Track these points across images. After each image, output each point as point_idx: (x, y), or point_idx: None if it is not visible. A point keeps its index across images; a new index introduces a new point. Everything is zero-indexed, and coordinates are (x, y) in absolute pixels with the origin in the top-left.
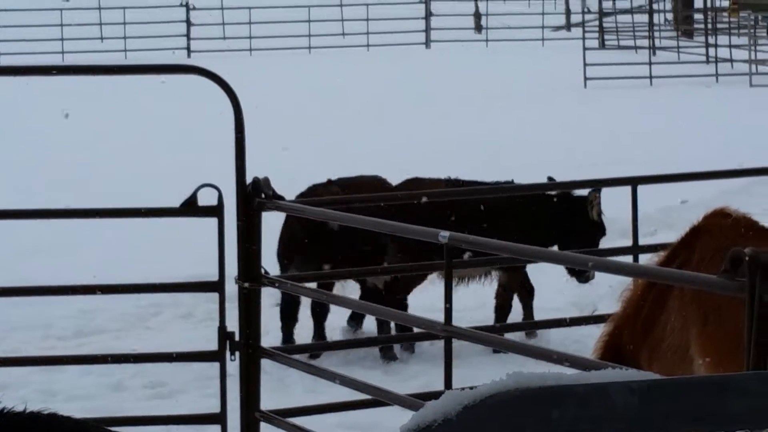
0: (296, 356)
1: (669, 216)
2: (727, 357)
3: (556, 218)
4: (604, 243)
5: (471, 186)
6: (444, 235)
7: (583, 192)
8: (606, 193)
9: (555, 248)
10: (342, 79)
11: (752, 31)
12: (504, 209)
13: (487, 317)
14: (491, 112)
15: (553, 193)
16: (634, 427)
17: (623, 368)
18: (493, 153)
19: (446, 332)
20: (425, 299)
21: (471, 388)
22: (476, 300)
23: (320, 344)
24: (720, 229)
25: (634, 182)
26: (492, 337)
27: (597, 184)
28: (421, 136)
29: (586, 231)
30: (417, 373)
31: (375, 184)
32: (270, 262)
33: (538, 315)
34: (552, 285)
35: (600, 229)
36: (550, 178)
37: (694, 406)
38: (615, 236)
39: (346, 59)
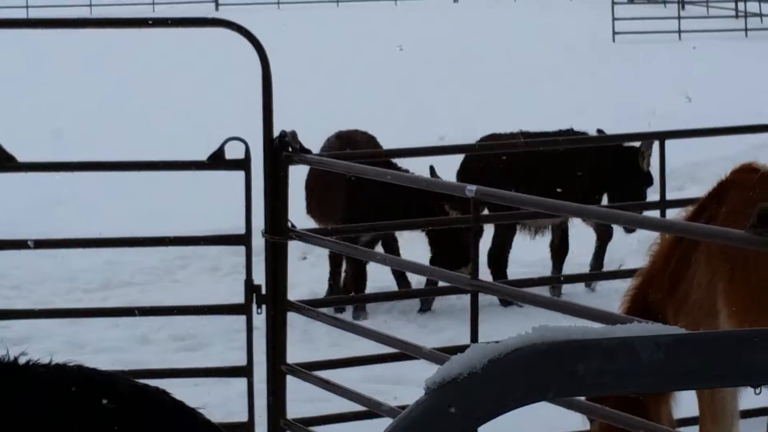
0: (322, 309)
1: (696, 171)
2: (754, 311)
3: (609, 169)
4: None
5: (543, 137)
6: (471, 189)
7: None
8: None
9: (605, 199)
10: (370, 33)
11: None
12: (570, 159)
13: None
14: (521, 66)
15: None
16: (660, 382)
17: (649, 323)
18: (526, 105)
19: (472, 286)
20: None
21: (497, 342)
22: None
23: (347, 298)
24: (748, 184)
25: (662, 137)
26: (518, 291)
27: (625, 139)
28: (454, 95)
29: (636, 182)
30: (443, 327)
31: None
32: (297, 216)
33: (567, 269)
34: (579, 240)
35: (648, 181)
36: (599, 131)
37: (720, 360)
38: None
39: (374, 14)
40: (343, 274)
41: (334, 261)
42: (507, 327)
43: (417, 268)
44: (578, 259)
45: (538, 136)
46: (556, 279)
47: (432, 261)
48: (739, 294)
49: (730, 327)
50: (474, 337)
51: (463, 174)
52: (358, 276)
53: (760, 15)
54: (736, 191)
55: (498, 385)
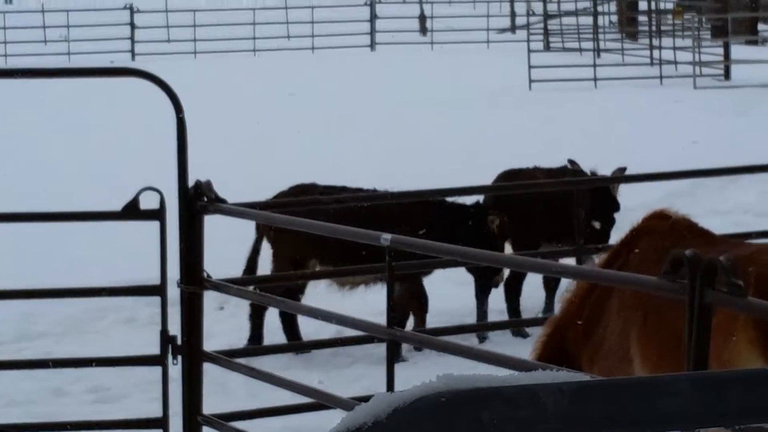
0: (239, 360)
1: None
2: (667, 358)
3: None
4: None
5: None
6: (386, 237)
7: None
8: None
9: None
10: (287, 81)
11: (696, 33)
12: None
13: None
14: (436, 115)
15: None
16: (564, 429)
17: (555, 370)
18: (439, 156)
19: (389, 335)
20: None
21: (402, 390)
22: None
23: (263, 348)
24: (659, 231)
25: (578, 184)
26: (434, 339)
27: (540, 187)
28: (367, 140)
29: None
30: (360, 375)
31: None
32: (212, 266)
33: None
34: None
35: (616, 207)
36: (571, 161)
37: (625, 407)
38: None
39: (291, 62)
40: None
41: (255, 310)
42: (427, 373)
43: (333, 317)
44: (500, 305)
45: (553, 171)
46: (472, 328)
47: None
48: (653, 340)
49: (644, 373)
50: (390, 386)
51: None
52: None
53: (675, 62)
54: (648, 238)
55: None
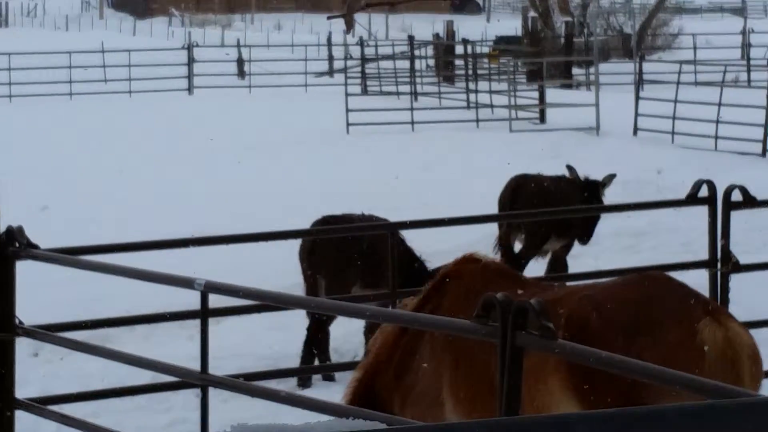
0: (52, 407)
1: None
2: (480, 402)
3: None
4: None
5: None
6: (200, 282)
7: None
8: None
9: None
10: (104, 126)
11: (512, 77)
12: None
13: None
14: (253, 159)
15: None
16: None
17: (350, 419)
18: (252, 200)
19: (203, 380)
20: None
21: None
22: None
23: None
24: (470, 274)
25: (392, 228)
26: (249, 385)
27: (354, 231)
28: (184, 185)
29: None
30: (176, 420)
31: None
32: (25, 312)
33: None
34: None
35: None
36: (569, 167)
37: None
38: None
39: (108, 105)
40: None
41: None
42: (245, 416)
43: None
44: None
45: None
46: (299, 371)
47: None
48: (464, 384)
49: (456, 417)
50: (204, 429)
51: (515, 194)
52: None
53: (491, 106)
54: (458, 282)
55: None
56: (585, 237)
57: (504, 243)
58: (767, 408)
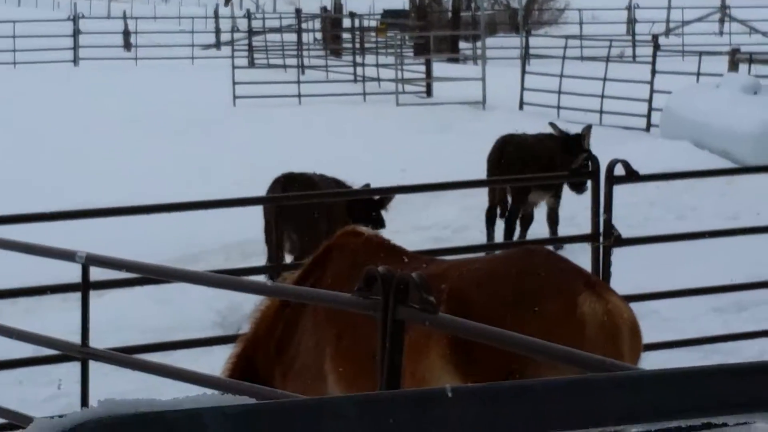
0: None
1: None
2: (362, 376)
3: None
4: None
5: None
6: (81, 255)
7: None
8: (247, 212)
9: None
10: None
11: (399, 51)
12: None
13: None
14: (138, 131)
15: None
16: None
17: (219, 393)
18: (134, 174)
19: (82, 353)
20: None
21: (61, 416)
22: None
23: None
24: (352, 248)
25: (275, 200)
26: (130, 358)
27: (238, 203)
28: (68, 157)
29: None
30: (58, 393)
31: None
32: None
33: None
34: (199, 301)
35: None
36: (552, 124)
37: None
38: (261, 255)
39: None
40: None
41: None
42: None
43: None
44: (198, 322)
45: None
46: (170, 345)
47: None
48: (346, 358)
49: (338, 391)
50: (85, 404)
51: (501, 151)
52: None
53: (378, 80)
54: (340, 255)
55: None
56: (577, 188)
57: (498, 200)
58: (639, 382)
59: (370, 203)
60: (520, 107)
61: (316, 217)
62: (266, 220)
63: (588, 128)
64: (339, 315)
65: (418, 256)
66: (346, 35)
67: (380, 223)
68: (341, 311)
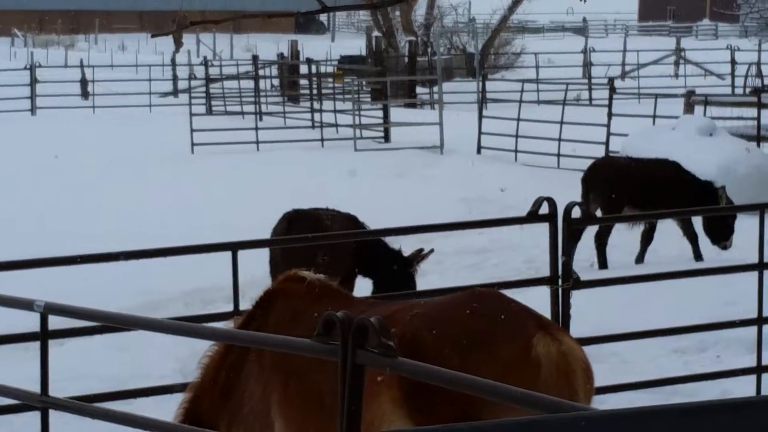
0: None
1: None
2: (311, 420)
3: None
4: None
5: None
6: (39, 304)
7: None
8: (206, 259)
9: None
10: None
11: (356, 96)
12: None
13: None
14: (95, 181)
15: None
16: None
17: None
18: (92, 222)
19: (42, 403)
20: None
21: None
22: None
23: None
24: (295, 293)
25: (233, 247)
26: (90, 407)
27: (197, 250)
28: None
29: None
30: None
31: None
32: None
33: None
34: (159, 348)
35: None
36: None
37: None
38: (221, 302)
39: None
40: None
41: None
42: None
43: None
44: (157, 371)
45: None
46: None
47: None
48: (295, 404)
49: None
50: None
51: (595, 175)
52: None
53: (336, 125)
54: (283, 301)
55: None
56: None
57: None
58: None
59: (393, 255)
60: (478, 151)
61: (324, 259)
62: (271, 257)
63: (723, 189)
64: (286, 360)
65: (363, 300)
66: (303, 81)
67: (404, 282)
68: (288, 357)
